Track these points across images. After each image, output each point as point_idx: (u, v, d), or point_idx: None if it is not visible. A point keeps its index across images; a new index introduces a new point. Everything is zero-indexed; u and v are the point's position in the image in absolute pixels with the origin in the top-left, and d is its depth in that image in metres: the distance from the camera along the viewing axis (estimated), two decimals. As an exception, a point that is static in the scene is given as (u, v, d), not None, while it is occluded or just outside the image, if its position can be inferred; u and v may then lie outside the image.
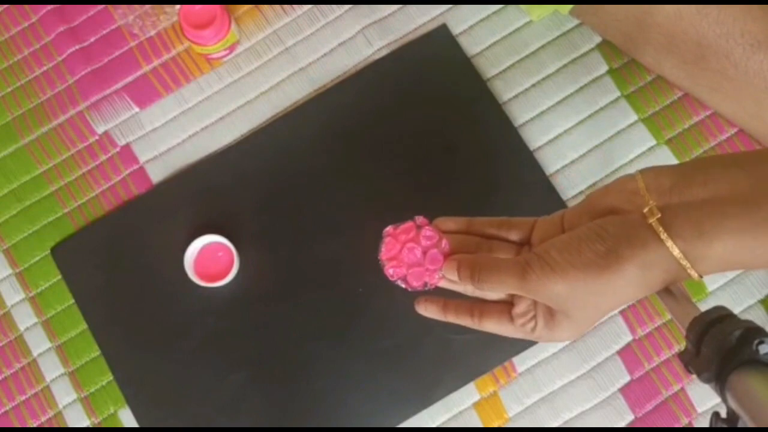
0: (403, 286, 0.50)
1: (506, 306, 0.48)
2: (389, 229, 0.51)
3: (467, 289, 0.49)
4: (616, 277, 0.39)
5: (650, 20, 0.66)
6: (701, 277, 0.39)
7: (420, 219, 0.50)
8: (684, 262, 0.38)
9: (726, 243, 0.37)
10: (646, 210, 0.39)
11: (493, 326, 0.49)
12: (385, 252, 0.50)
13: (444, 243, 0.49)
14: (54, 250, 0.77)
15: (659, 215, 0.38)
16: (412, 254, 0.49)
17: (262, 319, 0.73)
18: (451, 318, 0.51)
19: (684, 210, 0.38)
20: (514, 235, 0.49)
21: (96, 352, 0.74)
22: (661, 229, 0.38)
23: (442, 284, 0.50)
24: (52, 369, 0.75)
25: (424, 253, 0.49)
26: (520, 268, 0.43)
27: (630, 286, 0.39)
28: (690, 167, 0.40)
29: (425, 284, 0.50)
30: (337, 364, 0.72)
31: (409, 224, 0.50)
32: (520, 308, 0.47)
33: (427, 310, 0.52)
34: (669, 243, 0.37)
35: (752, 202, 0.36)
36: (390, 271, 0.50)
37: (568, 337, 0.45)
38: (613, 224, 0.40)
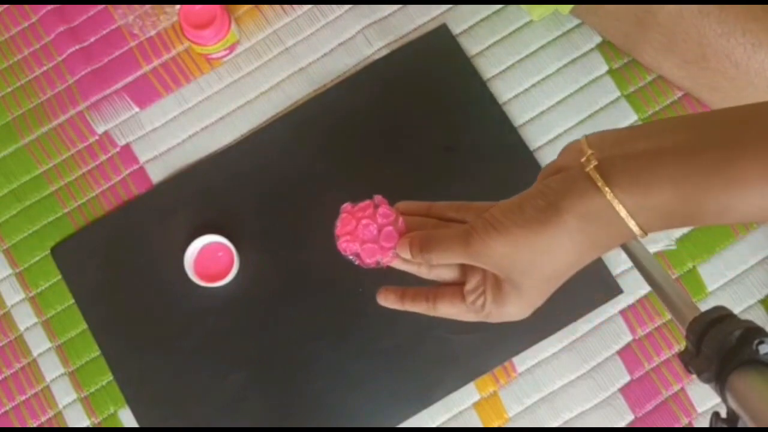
0: (356, 262, 0.50)
1: (459, 287, 0.48)
2: (347, 205, 0.51)
3: (421, 270, 0.49)
4: (557, 230, 0.38)
5: (651, 20, 0.66)
6: (645, 234, 0.37)
7: (378, 198, 0.50)
8: (621, 211, 0.36)
9: (664, 191, 0.36)
10: (583, 159, 0.38)
11: (447, 308, 0.48)
12: (340, 227, 0.50)
13: (400, 222, 0.49)
14: (54, 250, 0.77)
15: (596, 163, 0.37)
16: (367, 231, 0.49)
17: (262, 319, 0.73)
18: (408, 305, 0.50)
19: (624, 160, 0.37)
20: (471, 217, 0.48)
21: (96, 352, 0.74)
22: (597, 175, 0.37)
23: (397, 265, 0.50)
24: (52, 369, 0.75)
25: (380, 230, 0.49)
26: (464, 233, 0.42)
27: (572, 241, 0.38)
28: (635, 127, 0.39)
29: (377, 261, 0.49)
30: (337, 364, 0.72)
31: (367, 203, 0.50)
32: (470, 284, 0.46)
33: (387, 300, 0.52)
34: (605, 190, 0.36)
35: (693, 151, 0.35)
36: (343, 245, 0.50)
37: (517, 313, 0.44)
38: (554, 180, 0.39)
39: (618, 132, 0.39)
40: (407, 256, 0.47)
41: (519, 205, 0.40)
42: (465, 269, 0.47)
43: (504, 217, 0.40)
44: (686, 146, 0.35)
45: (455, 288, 0.48)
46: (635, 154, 0.37)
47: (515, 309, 0.44)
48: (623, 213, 0.36)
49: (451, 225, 0.48)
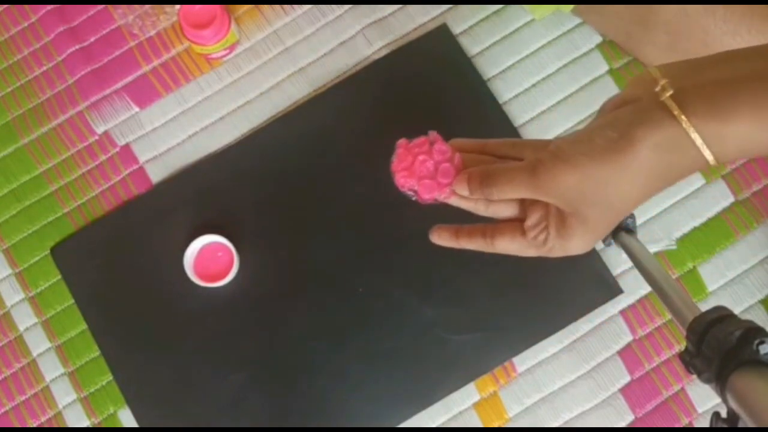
0: (413, 197, 0.49)
1: (518, 223, 0.46)
2: (402, 141, 0.50)
3: (479, 207, 0.48)
4: (630, 161, 0.37)
5: (654, 18, 0.66)
6: (719, 163, 0.37)
7: (433, 134, 0.50)
8: (698, 140, 0.36)
9: (743, 119, 0.35)
10: (658, 88, 0.37)
11: (506, 244, 0.47)
12: (396, 162, 0.50)
13: (457, 158, 0.48)
14: (54, 250, 0.77)
15: (671, 92, 0.36)
16: (424, 166, 0.48)
17: (261, 320, 0.73)
18: (464, 242, 0.49)
19: (699, 88, 0.36)
20: (528, 154, 0.46)
21: (96, 352, 0.74)
22: (674, 104, 0.36)
23: (453, 201, 0.49)
24: (51, 369, 0.75)
25: (436, 166, 0.48)
26: (530, 166, 0.41)
27: (644, 172, 0.37)
28: (705, 57, 0.38)
29: (435, 198, 0.48)
30: (337, 364, 0.72)
31: (422, 139, 0.50)
32: (532, 219, 0.45)
33: (441, 237, 0.51)
34: (682, 118, 0.35)
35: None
36: (401, 180, 0.49)
37: (580, 246, 0.43)
38: (625, 111, 0.38)
39: (687, 62, 0.38)
40: (465, 192, 0.46)
41: (588, 136, 0.39)
42: (524, 205, 0.46)
43: (573, 149, 0.39)
44: (763, 73, 0.35)
45: (514, 224, 0.47)
46: (710, 83, 0.36)
47: (579, 242, 0.43)
48: (699, 141, 0.36)
49: (507, 162, 0.46)
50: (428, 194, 0.48)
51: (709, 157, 0.36)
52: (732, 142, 0.36)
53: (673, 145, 0.36)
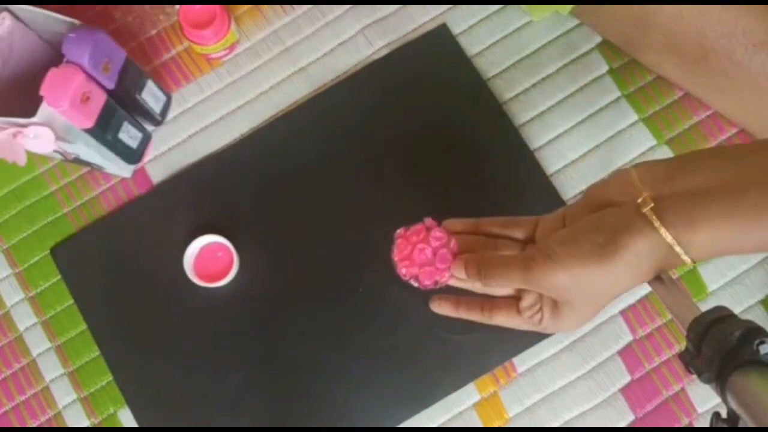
0: (415, 284, 0.53)
1: (514, 300, 0.51)
2: (400, 231, 0.54)
3: (475, 286, 0.52)
4: (615, 265, 0.41)
5: (651, 20, 0.66)
6: (694, 262, 0.40)
7: (429, 221, 0.53)
8: (677, 249, 0.40)
9: (713, 229, 0.39)
10: (640, 200, 0.41)
11: (503, 319, 0.51)
12: (397, 253, 0.54)
13: (452, 243, 0.52)
14: (54, 250, 0.77)
15: (652, 204, 0.40)
16: (423, 254, 0.52)
17: (261, 320, 0.73)
18: (463, 314, 0.54)
19: (675, 200, 0.40)
20: (518, 234, 0.52)
21: (95, 352, 0.74)
22: (654, 217, 0.40)
23: (452, 282, 0.53)
24: (51, 369, 0.75)
25: (434, 253, 0.52)
26: (524, 263, 0.45)
27: (627, 274, 0.42)
28: (681, 160, 0.42)
29: (436, 282, 0.52)
30: (337, 365, 0.72)
31: (419, 226, 0.53)
32: (526, 302, 0.49)
33: (441, 308, 0.55)
34: (662, 230, 0.39)
35: (737, 190, 0.38)
36: (403, 270, 0.53)
37: (572, 327, 0.48)
38: (610, 215, 0.42)
39: (665, 164, 0.42)
40: (463, 276, 0.50)
41: (575, 239, 0.43)
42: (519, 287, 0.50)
43: (562, 249, 0.43)
44: (731, 185, 0.39)
45: (510, 301, 0.51)
46: (686, 194, 0.40)
47: (571, 324, 0.48)
48: (678, 249, 0.40)
49: (499, 244, 0.52)
50: (429, 280, 0.52)
51: (686, 260, 0.40)
52: (705, 247, 0.40)
53: (655, 251, 0.40)
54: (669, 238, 0.39)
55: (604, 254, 0.41)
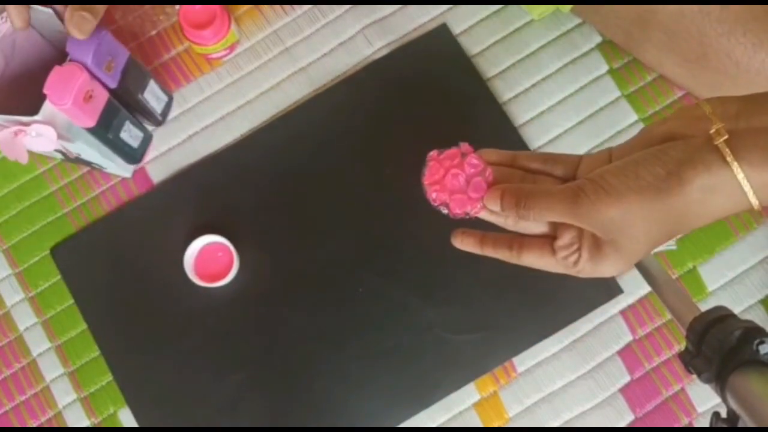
0: (445, 212, 0.49)
1: (548, 239, 0.46)
2: (433, 153, 0.50)
3: (507, 222, 0.48)
4: (677, 200, 0.38)
5: (652, 18, 0.66)
6: (762, 207, 0.38)
7: (465, 146, 0.49)
8: (747, 188, 0.36)
9: None
10: (712, 131, 0.37)
11: (533, 259, 0.47)
12: (428, 176, 0.49)
13: (488, 172, 0.48)
14: (54, 250, 0.77)
15: (726, 137, 0.37)
16: (456, 180, 0.48)
17: (261, 319, 0.73)
18: (489, 251, 0.49)
19: (752, 135, 0.37)
20: (559, 170, 0.47)
21: (96, 352, 0.74)
22: (728, 150, 0.36)
23: (483, 215, 0.49)
24: (51, 369, 0.75)
25: (468, 180, 0.48)
26: (571, 192, 0.41)
27: (689, 212, 0.38)
28: (756, 96, 0.39)
29: (467, 213, 0.48)
30: (337, 364, 0.72)
31: (453, 150, 0.49)
32: (564, 240, 0.45)
33: (464, 243, 0.50)
34: (734, 165, 0.36)
35: None
36: (433, 195, 0.49)
37: (612, 271, 0.44)
38: (674, 148, 0.38)
39: (742, 100, 0.39)
40: (496, 208, 0.46)
41: (634, 170, 0.39)
42: (556, 223, 0.46)
43: (617, 181, 0.39)
44: None
45: (544, 240, 0.46)
46: (763, 129, 0.37)
47: (611, 267, 0.43)
48: (748, 189, 0.37)
49: (538, 178, 0.47)
50: (460, 209, 0.48)
51: (755, 203, 0.37)
52: None
53: (721, 189, 0.37)
54: (740, 175, 0.36)
55: (666, 188, 0.37)
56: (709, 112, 0.38)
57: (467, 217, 0.48)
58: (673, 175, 0.37)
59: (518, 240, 0.47)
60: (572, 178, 0.46)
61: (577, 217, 0.41)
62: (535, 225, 0.47)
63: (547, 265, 0.46)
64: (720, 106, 0.39)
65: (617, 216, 0.39)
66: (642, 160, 0.39)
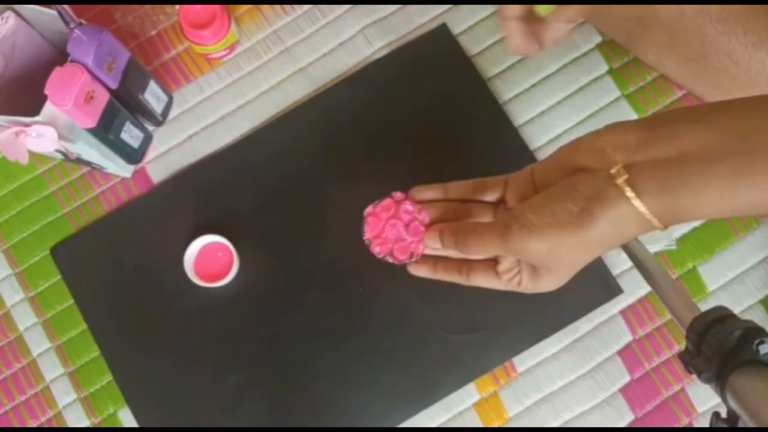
0: (391, 260, 0.53)
1: (492, 263, 0.51)
2: (369, 208, 0.53)
3: (451, 253, 0.52)
4: (590, 233, 0.41)
5: (652, 17, 0.66)
6: (666, 227, 0.40)
7: (397, 194, 0.53)
8: (650, 218, 0.40)
9: (688, 197, 0.39)
10: (613, 171, 0.40)
11: (482, 281, 0.52)
12: (368, 231, 0.53)
13: (423, 214, 0.52)
14: (54, 250, 0.77)
15: (626, 176, 0.40)
16: (395, 230, 0.52)
17: (261, 320, 0.73)
18: (441, 276, 0.54)
19: (650, 167, 0.39)
20: (489, 196, 0.52)
21: (96, 352, 0.74)
22: (628, 188, 0.39)
23: (429, 252, 0.53)
24: (51, 369, 0.75)
25: (406, 226, 0.52)
26: (500, 231, 0.45)
27: (603, 240, 0.42)
28: (655, 122, 0.41)
29: (411, 255, 0.52)
30: (337, 364, 0.72)
31: (388, 201, 0.53)
32: (504, 265, 0.50)
33: (418, 270, 0.55)
34: (636, 202, 0.39)
35: (713, 158, 0.38)
36: (377, 249, 0.53)
37: (551, 287, 0.49)
38: (583, 183, 0.42)
39: (638, 127, 0.41)
40: (437, 246, 0.51)
41: (550, 207, 0.43)
42: None
43: (536, 218, 0.43)
44: (707, 152, 0.38)
45: (488, 263, 0.52)
46: (661, 161, 0.39)
47: (550, 285, 0.48)
48: (649, 217, 0.40)
49: (471, 209, 0.52)
50: (404, 255, 0.52)
51: (658, 226, 0.40)
52: (681, 215, 0.40)
53: (628, 220, 0.40)
54: (643, 209, 0.39)
55: (578, 224, 0.41)
56: (610, 149, 0.41)
57: (412, 259, 0.53)
58: (584, 212, 0.41)
59: (466, 264, 0.53)
60: (502, 199, 0.52)
61: (509, 252, 0.46)
62: (477, 255, 0.52)
63: (494, 285, 0.52)
64: (620, 137, 0.42)
65: (542, 249, 0.43)
66: (557, 196, 0.43)
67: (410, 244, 0.52)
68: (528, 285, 0.49)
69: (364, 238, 0.53)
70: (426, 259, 0.54)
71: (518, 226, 0.44)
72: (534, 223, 0.43)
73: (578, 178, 0.42)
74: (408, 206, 0.52)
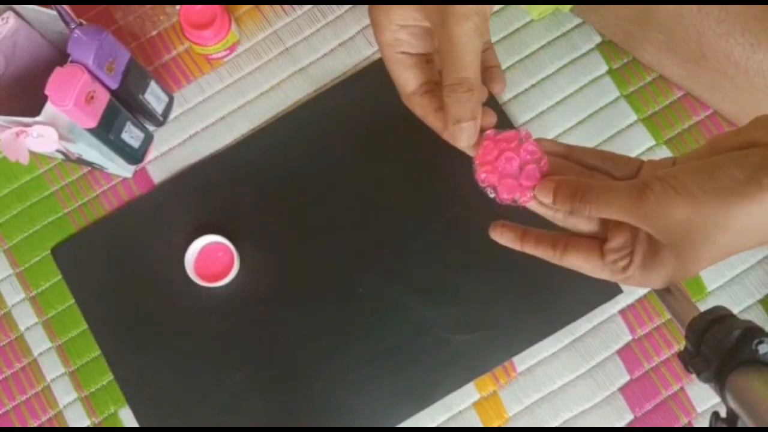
0: (491, 195, 0.46)
1: (596, 241, 0.43)
2: (490, 132, 0.47)
3: (556, 216, 0.45)
4: (755, 208, 0.34)
5: (651, 18, 0.66)
6: None
7: (524, 131, 0.46)
8: None
9: None
10: None
11: (578, 261, 0.43)
12: (481, 155, 0.46)
13: (544, 161, 0.45)
14: (54, 250, 0.77)
15: None
16: (509, 164, 0.45)
17: (262, 319, 0.73)
18: (529, 248, 0.46)
19: None
20: (617, 171, 0.44)
21: (96, 351, 0.75)
22: None
23: (531, 206, 0.46)
24: (52, 369, 0.75)
25: (521, 166, 0.45)
26: (636, 189, 0.38)
27: (763, 224, 0.35)
28: None
29: (514, 200, 0.45)
30: (337, 364, 0.72)
31: (512, 133, 0.46)
32: (615, 242, 0.42)
33: (503, 237, 0.47)
34: None
35: None
36: (482, 175, 0.46)
37: (663, 282, 0.40)
38: (755, 154, 0.36)
39: None
40: (548, 200, 0.43)
41: (709, 171, 0.36)
42: (607, 224, 0.43)
43: (690, 180, 0.36)
44: None
45: (592, 241, 0.43)
46: None
47: (663, 278, 0.40)
48: None
49: (595, 174, 0.44)
50: (508, 195, 0.45)
51: None
52: None
53: None
54: None
55: (743, 193, 0.34)
56: None
57: (514, 204, 0.46)
58: (753, 180, 0.34)
59: (564, 239, 0.44)
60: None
61: (640, 216, 0.38)
62: (584, 223, 0.44)
63: (592, 269, 0.43)
64: None
65: (686, 218, 0.36)
66: (719, 162, 0.36)
67: (519, 186, 0.45)
68: (636, 272, 0.41)
69: (474, 160, 0.47)
70: (514, 225, 0.46)
71: (663, 186, 0.36)
72: (685, 185, 0.36)
73: (750, 150, 0.36)
74: (531, 146, 0.45)
